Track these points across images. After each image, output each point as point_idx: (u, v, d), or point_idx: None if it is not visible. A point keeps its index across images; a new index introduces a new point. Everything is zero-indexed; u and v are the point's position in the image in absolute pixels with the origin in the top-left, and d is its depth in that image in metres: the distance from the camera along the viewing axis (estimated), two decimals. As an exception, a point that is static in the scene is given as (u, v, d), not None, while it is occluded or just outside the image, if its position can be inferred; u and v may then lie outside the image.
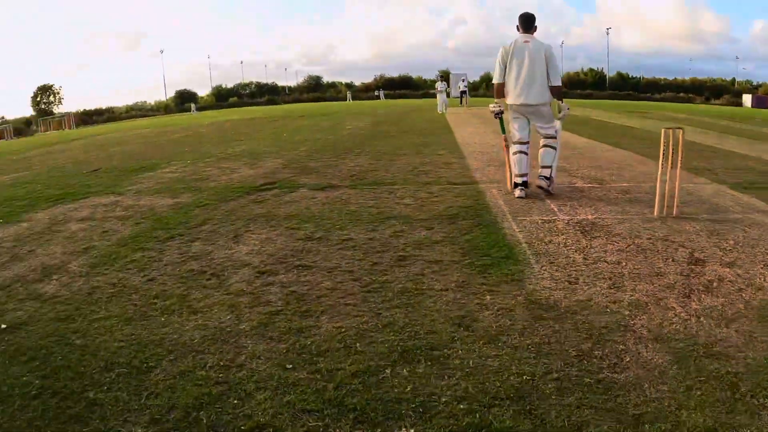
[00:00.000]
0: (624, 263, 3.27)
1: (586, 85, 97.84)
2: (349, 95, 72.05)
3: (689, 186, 5.85)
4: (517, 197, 5.05)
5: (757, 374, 2.05)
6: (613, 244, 3.66)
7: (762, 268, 3.25)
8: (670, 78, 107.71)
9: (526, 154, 5.13)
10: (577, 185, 5.94)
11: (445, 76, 40.70)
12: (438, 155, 8.61)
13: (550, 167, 5.15)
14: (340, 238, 4.00)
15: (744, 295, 2.83)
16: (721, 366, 2.11)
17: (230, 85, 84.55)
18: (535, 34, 5.03)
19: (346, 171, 7.30)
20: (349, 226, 4.35)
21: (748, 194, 5.64)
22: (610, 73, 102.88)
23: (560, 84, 4.94)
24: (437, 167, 7.32)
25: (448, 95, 27.14)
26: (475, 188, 5.75)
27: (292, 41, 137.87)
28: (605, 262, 3.30)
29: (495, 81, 5.13)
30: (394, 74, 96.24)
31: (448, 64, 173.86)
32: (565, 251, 3.54)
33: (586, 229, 4.08)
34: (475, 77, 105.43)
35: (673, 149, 4.39)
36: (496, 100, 5.15)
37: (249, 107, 61.27)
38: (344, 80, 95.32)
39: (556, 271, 3.18)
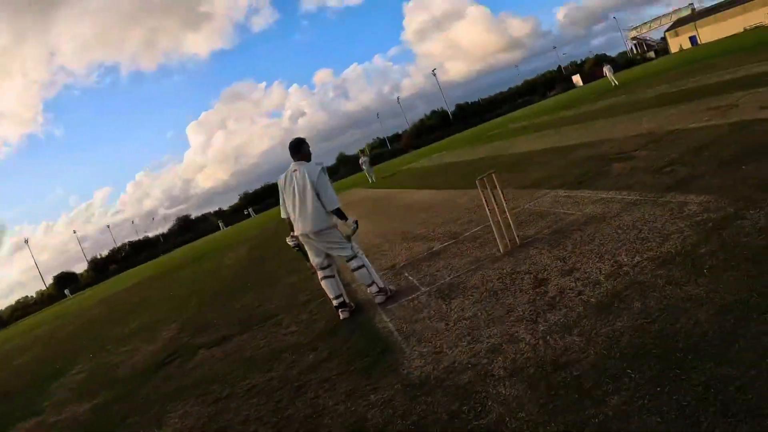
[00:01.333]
0: (480, 313, 3.96)
1: (434, 128, 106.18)
2: (221, 224, 75.52)
3: (530, 206, 6.93)
4: (343, 319, 5.24)
5: (597, 368, 2.65)
6: (470, 299, 4.38)
7: (597, 262, 4.08)
8: (506, 89, 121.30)
9: (332, 277, 5.29)
10: (434, 249, 6.80)
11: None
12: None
13: (373, 283, 5.28)
14: (245, 388, 4.48)
15: (583, 297, 3.57)
16: (567, 374, 2.72)
17: (105, 253, 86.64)
18: (306, 157, 5.23)
19: (235, 315, 7.87)
20: (249, 373, 4.82)
21: (581, 189, 6.80)
22: (450, 108, 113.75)
23: (336, 206, 5.02)
24: (312, 281, 7.83)
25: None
26: (347, 292, 6.26)
27: (149, 189, 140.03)
28: (464, 319, 3.97)
29: (282, 216, 5.26)
30: (258, 186, 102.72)
31: None
32: (430, 324, 4.19)
33: (445, 293, 4.80)
34: (331, 161, 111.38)
35: (493, 192, 5.28)
36: (291, 234, 5.25)
37: (130, 270, 62.07)
38: (212, 209, 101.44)
39: (424, 347, 3.78)
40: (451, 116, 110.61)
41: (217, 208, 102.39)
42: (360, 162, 31.65)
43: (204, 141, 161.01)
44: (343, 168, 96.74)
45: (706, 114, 9.09)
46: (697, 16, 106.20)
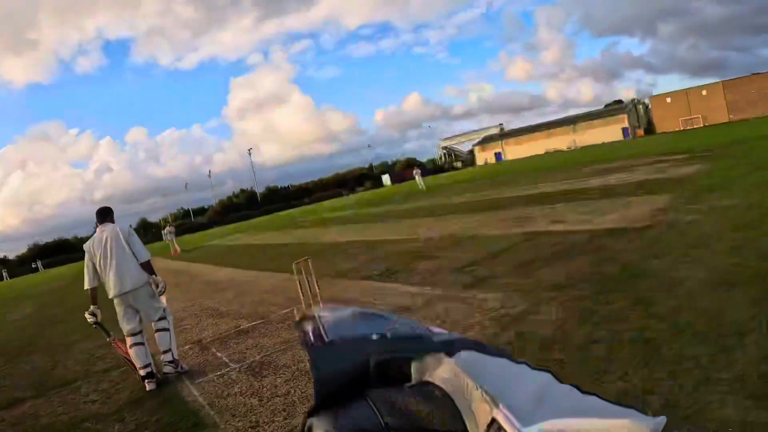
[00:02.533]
0: (294, 391, 4.19)
1: (240, 207, 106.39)
2: (4, 274, 71.73)
3: (340, 294, 7.42)
4: (149, 390, 5.22)
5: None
6: (282, 377, 4.58)
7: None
8: (316, 179, 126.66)
9: (143, 344, 5.36)
10: (242, 327, 6.93)
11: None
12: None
13: (170, 350, 5.48)
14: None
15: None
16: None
17: None
18: (111, 222, 5.59)
19: (24, 378, 7.21)
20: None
21: (389, 281, 7.49)
22: (259, 189, 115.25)
23: (148, 258, 5.45)
24: (109, 349, 7.35)
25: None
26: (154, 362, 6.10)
27: None
28: (278, 396, 4.16)
29: (86, 287, 5.38)
30: (50, 239, 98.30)
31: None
32: (243, 399, 4.30)
33: (256, 370, 4.96)
34: (125, 224, 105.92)
35: (308, 277, 5.68)
36: (91, 307, 5.27)
37: None
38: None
39: (239, 421, 3.89)
40: (259, 197, 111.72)
41: (1, 256, 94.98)
42: (164, 231, 31.33)
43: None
44: (144, 235, 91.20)
45: (504, 223, 10.72)
46: (505, 134, 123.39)
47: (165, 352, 5.46)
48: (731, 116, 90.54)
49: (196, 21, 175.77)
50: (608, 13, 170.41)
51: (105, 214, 5.60)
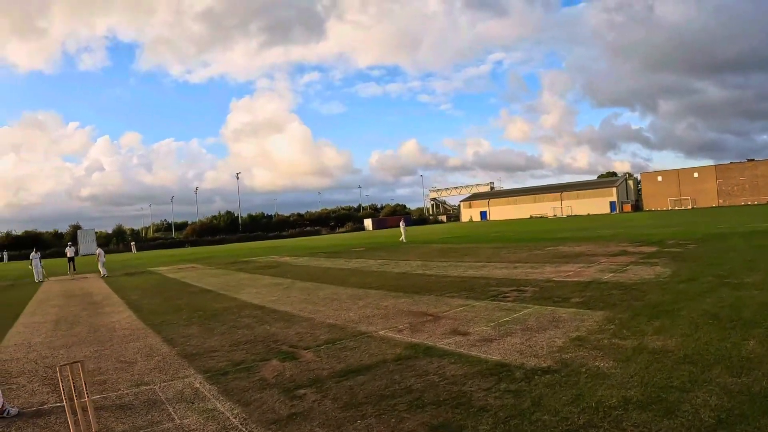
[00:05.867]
0: None
1: (219, 230, 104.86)
2: None
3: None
4: None
5: None
6: None
7: None
8: (303, 212, 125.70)
9: None
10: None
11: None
12: None
13: None
14: None
15: None
16: None
17: None
18: None
19: None
20: None
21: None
22: (243, 214, 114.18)
23: None
24: None
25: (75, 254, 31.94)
26: None
27: None
28: None
29: None
30: (30, 227, 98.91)
31: (82, 215, 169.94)
32: None
33: None
34: (109, 227, 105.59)
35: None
36: None
37: None
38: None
39: None
40: (240, 223, 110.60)
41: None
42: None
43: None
44: (115, 244, 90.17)
45: (394, 319, 8.73)
46: (493, 194, 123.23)
47: None
48: (720, 201, 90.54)
49: (201, 37, 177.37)
50: (612, 84, 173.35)
51: None
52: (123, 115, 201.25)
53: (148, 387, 6.18)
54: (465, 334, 7.50)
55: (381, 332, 8.08)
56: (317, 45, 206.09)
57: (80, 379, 4.62)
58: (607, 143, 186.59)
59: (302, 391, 5.57)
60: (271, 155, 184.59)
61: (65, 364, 4.67)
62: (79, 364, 4.68)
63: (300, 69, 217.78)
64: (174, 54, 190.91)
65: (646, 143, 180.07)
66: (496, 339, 7.03)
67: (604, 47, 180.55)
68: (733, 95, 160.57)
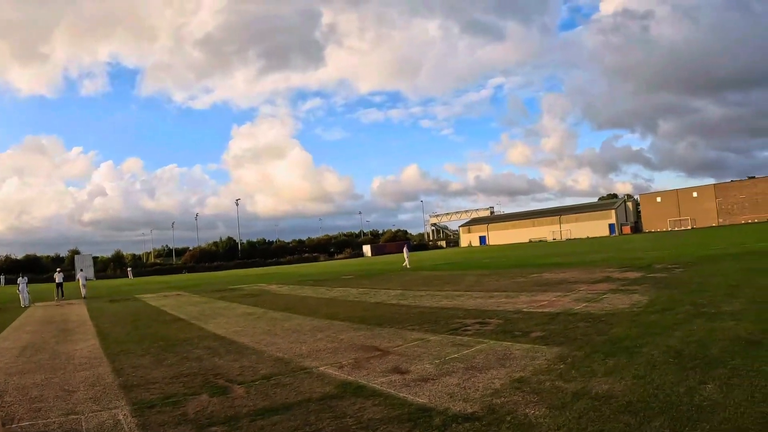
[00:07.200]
0: None
1: (217, 256, 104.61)
2: None
3: None
4: None
5: None
6: None
7: None
8: (304, 237, 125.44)
9: None
10: None
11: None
12: None
13: None
14: None
15: None
16: None
17: None
18: None
19: None
20: None
21: None
22: (244, 240, 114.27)
23: None
24: None
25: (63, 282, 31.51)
26: None
27: None
28: None
29: None
30: (30, 251, 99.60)
31: (84, 240, 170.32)
32: None
33: None
34: (110, 252, 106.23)
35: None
36: None
37: None
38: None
39: None
40: (240, 249, 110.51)
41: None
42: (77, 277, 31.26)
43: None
44: (113, 269, 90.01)
45: (346, 354, 8.12)
46: (492, 219, 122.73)
47: None
48: (720, 220, 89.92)
49: (201, 63, 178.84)
50: (611, 106, 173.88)
51: None
52: (125, 141, 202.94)
53: (76, 417, 6.14)
54: (404, 372, 6.93)
55: (322, 368, 7.57)
56: (317, 71, 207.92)
57: None
58: (608, 165, 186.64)
59: (213, 429, 5.27)
60: (273, 181, 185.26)
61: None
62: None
63: (301, 95, 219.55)
64: (174, 80, 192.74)
65: (647, 164, 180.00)
66: (433, 378, 6.46)
67: (602, 69, 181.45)
68: (733, 113, 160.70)
